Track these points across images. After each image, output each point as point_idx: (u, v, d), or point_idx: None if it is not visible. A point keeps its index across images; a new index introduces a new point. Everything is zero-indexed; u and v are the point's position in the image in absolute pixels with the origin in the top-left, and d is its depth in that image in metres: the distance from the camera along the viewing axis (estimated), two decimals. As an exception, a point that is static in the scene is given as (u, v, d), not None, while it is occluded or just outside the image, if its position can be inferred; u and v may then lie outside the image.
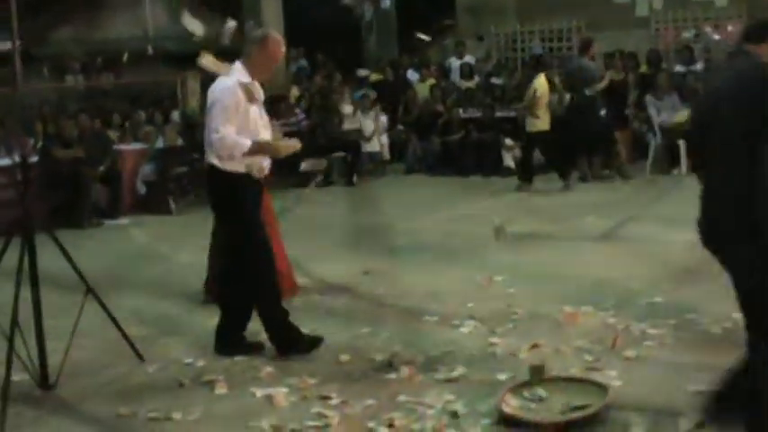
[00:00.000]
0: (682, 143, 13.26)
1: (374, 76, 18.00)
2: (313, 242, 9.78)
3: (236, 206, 5.91)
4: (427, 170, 15.28)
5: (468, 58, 18.10)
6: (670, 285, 7.28)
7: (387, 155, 15.90)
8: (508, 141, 14.54)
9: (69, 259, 5.80)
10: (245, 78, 5.89)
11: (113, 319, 5.95)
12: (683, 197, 11.32)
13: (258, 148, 5.85)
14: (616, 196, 12.01)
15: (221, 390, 5.48)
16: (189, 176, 13.03)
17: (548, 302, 6.90)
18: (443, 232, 10.19)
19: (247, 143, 5.78)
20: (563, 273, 7.90)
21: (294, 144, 6.14)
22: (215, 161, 5.84)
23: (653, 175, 13.51)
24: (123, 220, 12.41)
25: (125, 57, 18.85)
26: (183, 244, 10.10)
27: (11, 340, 5.38)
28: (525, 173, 13.21)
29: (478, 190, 13.32)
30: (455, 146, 15.12)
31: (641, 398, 4.91)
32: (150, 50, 19.38)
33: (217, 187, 5.97)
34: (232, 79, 5.86)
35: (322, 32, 19.17)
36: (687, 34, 16.81)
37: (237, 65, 5.96)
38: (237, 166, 5.84)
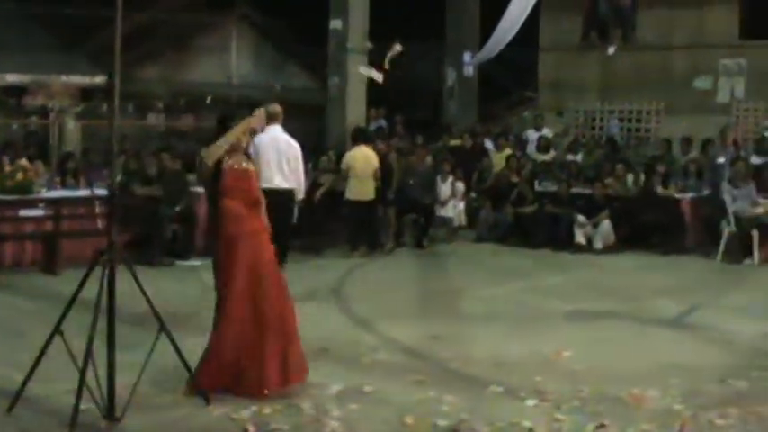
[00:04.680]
0: (755, 233, 13.20)
1: (452, 142, 18.09)
2: (383, 303, 9.83)
3: None
4: (497, 240, 15.26)
5: (546, 132, 18.17)
6: (739, 375, 7.17)
7: (463, 221, 15.90)
8: (581, 218, 14.50)
9: (144, 294, 5.88)
10: None
11: (183, 360, 6.01)
12: (756, 288, 11.39)
13: None
14: (690, 281, 11.88)
15: (288, 441, 5.48)
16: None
17: (615, 382, 6.83)
18: (514, 303, 10.19)
19: None
20: (632, 353, 7.86)
21: None
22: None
23: (724, 263, 13.35)
24: (195, 262, 12.52)
25: (208, 100, 19.19)
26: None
27: (83, 371, 5.47)
28: None
29: (549, 264, 13.28)
30: (528, 218, 15.11)
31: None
32: (232, 97, 19.75)
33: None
34: None
35: (403, 94, 19.35)
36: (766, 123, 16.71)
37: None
38: None
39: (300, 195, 11.04)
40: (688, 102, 17.38)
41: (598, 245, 14.36)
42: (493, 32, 16.79)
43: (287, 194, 10.68)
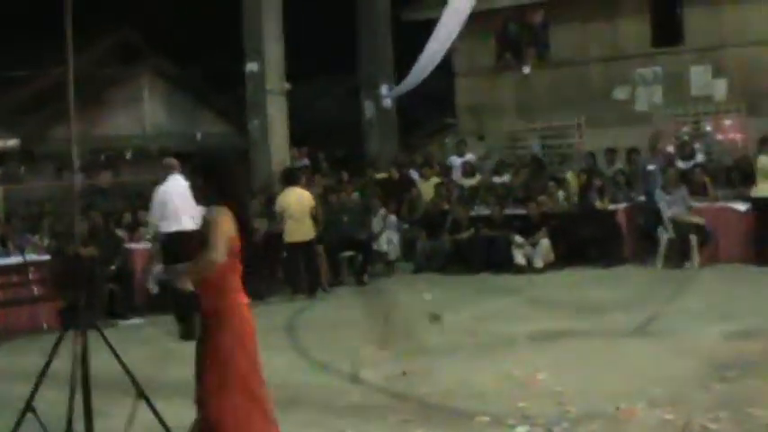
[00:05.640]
0: (693, 237, 13.36)
1: (378, 175, 18.01)
2: (340, 344, 9.65)
3: None
4: (436, 269, 15.17)
5: (470, 157, 18.17)
6: (717, 379, 7.18)
7: (399, 253, 15.80)
8: (519, 239, 14.52)
9: (119, 359, 5.65)
10: None
11: (164, 425, 5.76)
12: (702, 290, 11.51)
13: None
14: (638, 291, 11.92)
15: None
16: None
17: (599, 399, 6.78)
18: (471, 330, 10.06)
19: None
20: (606, 369, 7.84)
21: None
22: None
23: (665, 269, 13.46)
24: (136, 320, 12.22)
25: (128, 155, 18.84)
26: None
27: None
28: None
29: (494, 287, 13.24)
30: (465, 244, 15.07)
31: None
32: (151, 148, 19.44)
33: None
34: None
35: (323, 131, 19.26)
36: (685, 129, 16.99)
37: None
38: None
39: None
40: (608, 114, 17.57)
41: (538, 263, 14.37)
42: (414, 65, 16.78)
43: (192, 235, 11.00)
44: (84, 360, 5.50)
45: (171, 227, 10.90)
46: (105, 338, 5.64)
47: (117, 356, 5.63)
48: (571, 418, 6.40)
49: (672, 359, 7.96)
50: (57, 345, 5.55)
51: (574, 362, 8.16)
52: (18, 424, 5.56)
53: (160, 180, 11.36)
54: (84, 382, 5.51)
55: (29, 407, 5.58)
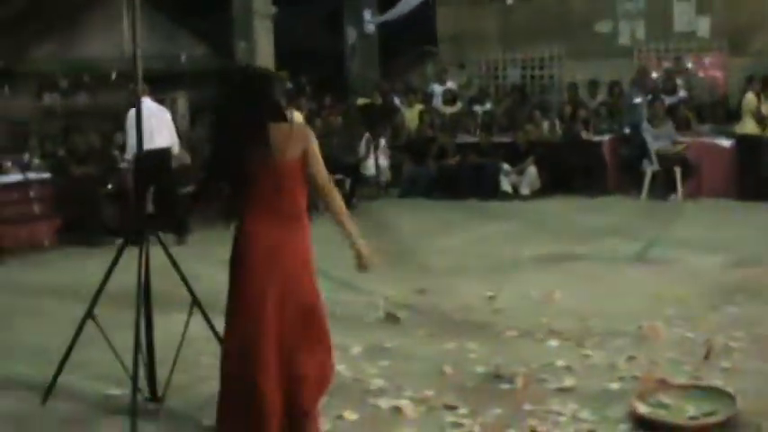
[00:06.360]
0: (678, 170, 13.72)
1: (360, 101, 18.15)
2: (348, 264, 9.81)
3: None
4: (422, 194, 15.42)
5: (451, 85, 18.36)
6: (728, 302, 7.54)
7: (389, 177, 16.04)
8: (506, 166, 14.81)
9: (179, 271, 5.81)
10: None
11: (215, 332, 5.94)
12: (691, 222, 11.88)
13: None
14: (626, 220, 12.26)
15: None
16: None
17: (618, 318, 7.09)
18: (473, 253, 10.35)
19: None
20: (616, 290, 8.16)
21: None
22: None
23: (649, 200, 13.83)
24: (134, 239, 12.34)
25: (113, 75, 18.68)
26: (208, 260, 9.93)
27: (135, 354, 5.39)
28: None
29: (483, 213, 13.51)
30: (451, 170, 15.33)
31: (761, 405, 5.12)
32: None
33: None
34: None
35: (305, 56, 19.25)
36: (667, 64, 17.26)
37: None
38: None
39: (176, 150, 12.29)
40: (590, 46, 17.76)
41: (525, 191, 14.71)
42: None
43: (166, 152, 11.99)
44: (147, 271, 5.68)
45: (144, 146, 11.17)
46: (167, 250, 5.82)
47: (177, 267, 5.79)
48: (596, 334, 6.72)
49: (678, 284, 8.26)
50: (119, 254, 5.69)
51: (583, 283, 8.46)
52: (79, 330, 5.73)
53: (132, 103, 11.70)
54: (146, 293, 5.69)
55: (89, 314, 5.75)
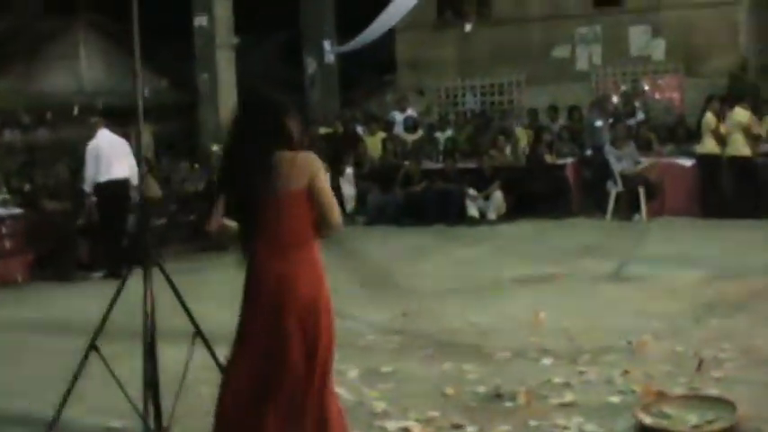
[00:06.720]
0: (641, 190, 13.99)
1: (323, 130, 18.26)
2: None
3: None
4: (390, 221, 15.51)
5: (411, 112, 18.55)
6: (710, 315, 7.73)
7: (353, 206, 16.14)
8: (472, 192, 14.98)
9: (181, 300, 5.83)
10: None
11: (217, 361, 5.96)
12: (659, 240, 12.11)
13: None
14: (597, 240, 12.44)
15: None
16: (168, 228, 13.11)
17: (606, 334, 7.24)
18: (451, 276, 10.48)
19: None
20: (599, 308, 8.33)
21: None
22: None
23: (614, 221, 14.06)
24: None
25: (75, 110, 18.63)
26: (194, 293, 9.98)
27: (145, 385, 5.41)
28: None
29: (453, 238, 13.65)
30: (418, 196, 15.46)
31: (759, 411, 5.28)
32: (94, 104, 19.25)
33: None
34: None
35: (267, 85, 19.38)
36: (624, 88, 17.61)
37: None
38: None
39: (135, 182, 12.04)
40: (548, 72, 18.11)
41: (492, 215, 14.87)
42: (373, 22, 17.02)
43: (126, 183, 12.03)
44: (151, 301, 5.70)
45: (103, 177, 11.80)
46: (168, 278, 5.83)
47: (178, 296, 5.81)
48: (587, 351, 6.85)
49: (658, 300, 8.46)
50: (122, 285, 5.70)
51: (566, 302, 8.61)
52: (82, 363, 5.72)
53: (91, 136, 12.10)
54: (151, 323, 5.69)
55: (92, 346, 5.75)
